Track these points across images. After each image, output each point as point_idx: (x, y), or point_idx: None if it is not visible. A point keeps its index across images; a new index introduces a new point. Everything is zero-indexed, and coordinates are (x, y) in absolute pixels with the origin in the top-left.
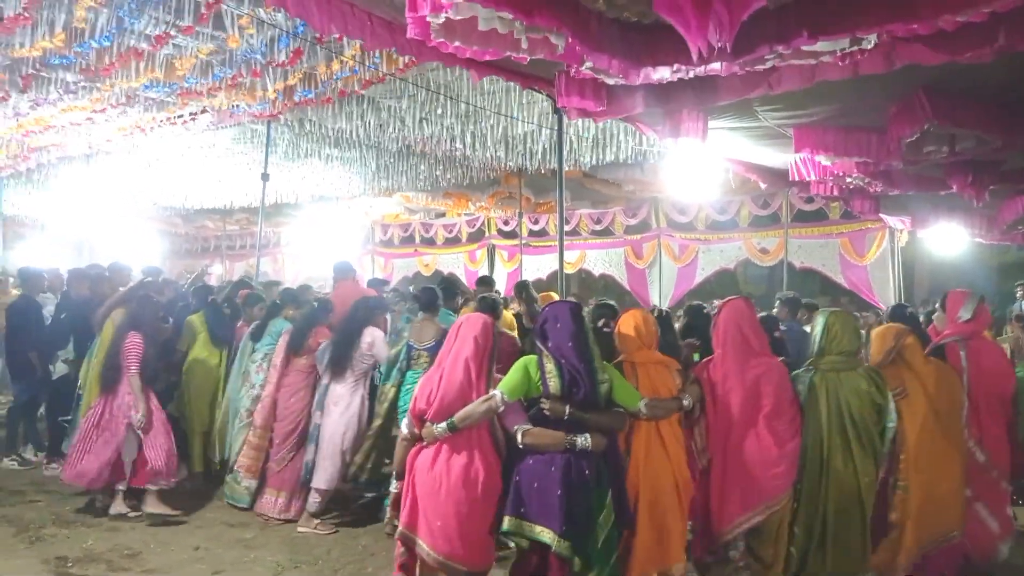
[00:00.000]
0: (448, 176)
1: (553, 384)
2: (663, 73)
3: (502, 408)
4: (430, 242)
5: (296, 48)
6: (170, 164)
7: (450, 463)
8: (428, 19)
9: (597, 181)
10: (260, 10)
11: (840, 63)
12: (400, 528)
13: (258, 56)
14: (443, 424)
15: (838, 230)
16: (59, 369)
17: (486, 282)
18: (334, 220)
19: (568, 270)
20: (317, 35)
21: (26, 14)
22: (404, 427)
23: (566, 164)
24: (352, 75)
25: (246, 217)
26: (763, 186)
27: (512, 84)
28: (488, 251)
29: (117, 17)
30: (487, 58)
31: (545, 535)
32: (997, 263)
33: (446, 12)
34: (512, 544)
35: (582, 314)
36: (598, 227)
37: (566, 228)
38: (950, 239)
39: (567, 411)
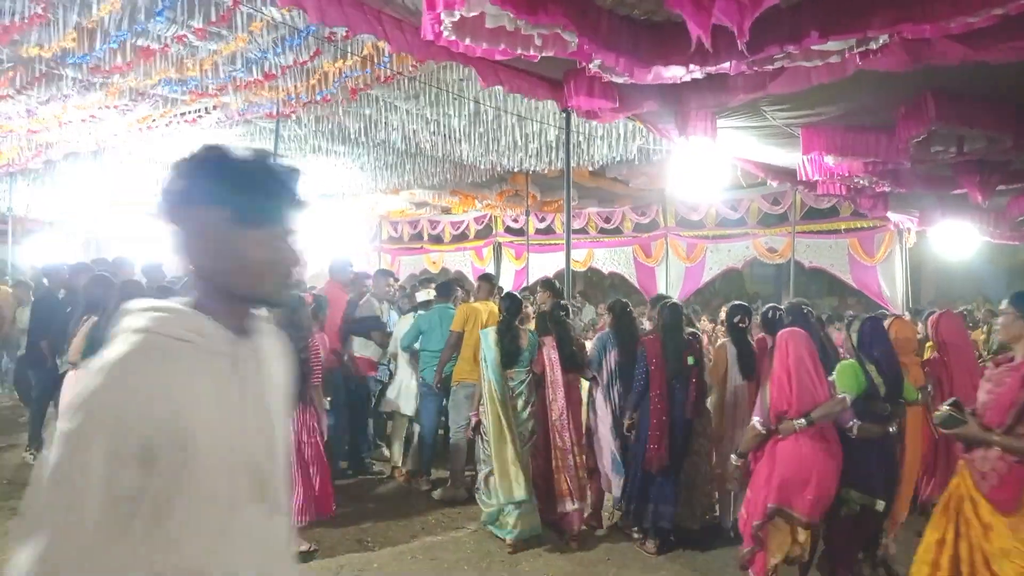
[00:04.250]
0: (456, 174)
1: (883, 389)
2: (673, 72)
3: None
4: (437, 239)
5: (316, 48)
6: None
7: (814, 448)
8: (442, 16)
9: (604, 180)
10: (273, 9)
11: (849, 63)
12: (771, 505)
13: (269, 56)
14: (802, 420)
15: (847, 226)
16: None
17: (488, 278)
18: (340, 217)
19: (576, 268)
20: (327, 34)
21: (41, 12)
22: (758, 425)
23: (573, 162)
24: (363, 75)
25: None
26: (774, 184)
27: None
28: (495, 249)
29: (133, 19)
30: (498, 57)
31: (879, 505)
32: (1007, 264)
33: (459, 9)
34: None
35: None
36: (608, 226)
37: (575, 226)
38: (959, 240)
39: (889, 408)
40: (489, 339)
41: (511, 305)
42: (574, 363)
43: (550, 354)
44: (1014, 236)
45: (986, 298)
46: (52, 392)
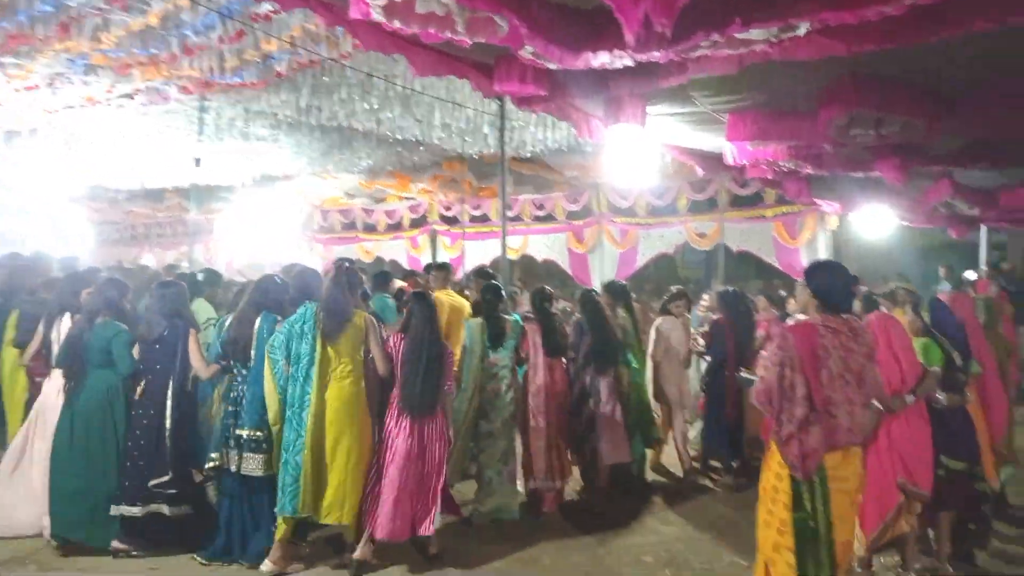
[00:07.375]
0: (391, 157)
1: (960, 363)
2: (603, 59)
3: None
4: (371, 228)
5: (239, 31)
6: (96, 144)
7: (921, 420)
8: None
9: (539, 167)
10: None
11: (771, 50)
12: (900, 479)
13: (190, 34)
14: (911, 395)
15: (773, 212)
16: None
17: (444, 267)
18: (271, 205)
19: (511, 256)
20: (252, 15)
21: None
22: (878, 403)
23: (508, 150)
24: (292, 58)
25: (177, 203)
26: (700, 172)
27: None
28: (430, 237)
29: None
30: (428, 41)
31: (970, 468)
32: (921, 245)
33: None
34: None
35: None
36: (540, 212)
37: (509, 214)
38: (878, 223)
39: (964, 378)
40: (473, 327)
41: (495, 291)
42: (559, 352)
43: (535, 339)
44: (929, 221)
45: (902, 277)
46: None
